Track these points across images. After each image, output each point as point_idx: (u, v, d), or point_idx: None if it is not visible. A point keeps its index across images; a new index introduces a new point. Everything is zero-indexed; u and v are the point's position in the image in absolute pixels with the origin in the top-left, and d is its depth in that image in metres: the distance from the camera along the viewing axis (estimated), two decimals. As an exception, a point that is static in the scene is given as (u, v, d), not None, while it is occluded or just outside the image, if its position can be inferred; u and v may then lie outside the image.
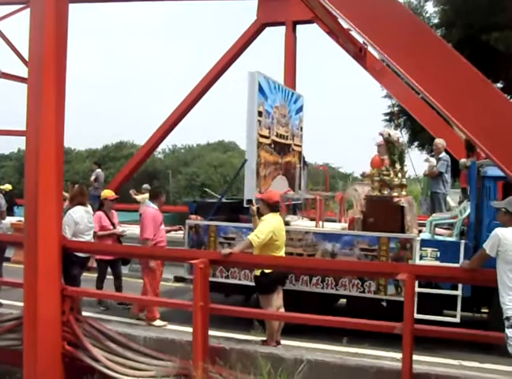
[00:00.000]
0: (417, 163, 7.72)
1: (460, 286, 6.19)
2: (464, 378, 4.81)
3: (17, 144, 39.10)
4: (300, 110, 9.85)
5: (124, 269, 9.80)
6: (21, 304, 5.97)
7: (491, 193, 6.44)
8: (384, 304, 6.57)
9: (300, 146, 9.93)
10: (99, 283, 8.18)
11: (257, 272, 6.15)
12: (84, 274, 7.66)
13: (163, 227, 7.61)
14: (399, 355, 4.81)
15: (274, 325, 6.09)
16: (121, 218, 9.18)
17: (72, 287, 6.29)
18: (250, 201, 6.73)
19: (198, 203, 8.81)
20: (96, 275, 8.30)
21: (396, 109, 17.94)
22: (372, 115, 61.73)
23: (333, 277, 6.65)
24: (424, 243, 6.51)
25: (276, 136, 8.60)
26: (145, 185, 14.55)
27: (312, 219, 8.59)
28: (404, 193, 7.41)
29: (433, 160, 9.18)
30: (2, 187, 14.52)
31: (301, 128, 9.94)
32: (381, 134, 7.59)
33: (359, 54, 12.99)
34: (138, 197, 13.97)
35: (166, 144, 44.56)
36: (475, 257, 4.82)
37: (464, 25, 16.00)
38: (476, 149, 7.36)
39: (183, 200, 32.74)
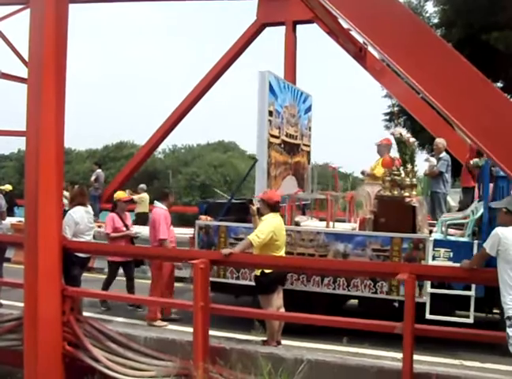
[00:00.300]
0: (417, 162, 7.67)
1: (473, 286, 6.11)
2: (464, 378, 4.81)
3: (17, 144, 39.07)
4: (309, 109, 9.82)
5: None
6: (22, 304, 5.96)
7: (504, 192, 6.36)
8: (396, 305, 6.47)
9: (309, 146, 9.89)
10: (106, 285, 8.11)
11: (257, 272, 6.15)
12: (85, 274, 7.66)
13: (172, 227, 7.62)
14: (399, 355, 4.80)
15: (274, 325, 6.09)
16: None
17: (72, 288, 6.29)
18: (250, 201, 6.73)
19: (208, 203, 8.75)
20: (96, 275, 8.29)
21: (396, 109, 17.93)
22: (372, 115, 61.74)
23: (344, 278, 6.60)
24: (437, 243, 6.42)
25: (286, 136, 8.56)
26: (142, 185, 14.53)
27: (321, 220, 8.55)
28: (414, 193, 7.36)
29: (433, 160, 9.17)
30: (2, 187, 14.51)
31: (309, 128, 9.90)
32: (392, 134, 7.54)
33: (359, 53, 12.98)
34: (135, 197, 13.96)
35: (166, 144, 44.64)
36: (475, 256, 4.83)
37: (464, 25, 15.99)
38: None
39: (183, 200, 32.76)
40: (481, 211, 6.63)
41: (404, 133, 7.40)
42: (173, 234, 7.63)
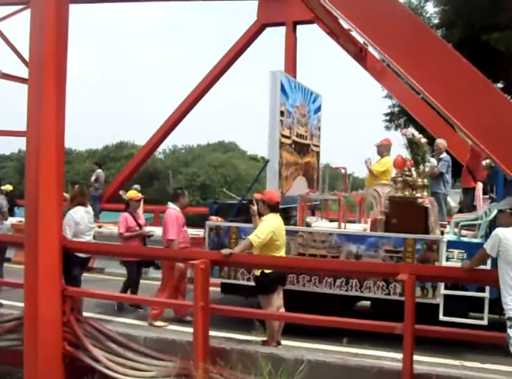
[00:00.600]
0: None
1: (487, 288, 6.01)
2: (465, 378, 4.81)
3: (18, 144, 39.19)
4: (318, 109, 9.76)
5: (125, 270, 9.82)
6: (22, 304, 5.97)
7: None
8: None
9: (318, 146, 9.82)
10: (128, 287, 8.02)
11: (257, 272, 6.15)
12: (85, 274, 7.65)
13: (185, 228, 7.59)
14: (400, 356, 4.80)
15: (275, 325, 6.09)
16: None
17: (72, 288, 6.29)
18: (250, 201, 6.72)
19: (219, 204, 8.67)
20: (96, 275, 8.27)
21: (396, 109, 17.91)
22: (372, 116, 61.77)
23: (357, 279, 6.54)
24: (451, 244, 6.32)
25: (297, 136, 8.49)
26: (136, 186, 14.49)
27: (331, 220, 8.50)
28: (425, 193, 7.32)
29: (434, 161, 9.16)
30: (3, 188, 14.53)
31: (319, 128, 9.84)
32: (404, 134, 7.49)
33: (359, 54, 12.98)
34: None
35: (166, 145, 44.69)
36: (475, 256, 4.82)
37: (465, 25, 15.97)
38: None
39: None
40: (494, 212, 6.59)
41: (416, 133, 7.33)
42: (185, 234, 7.58)
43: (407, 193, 7.11)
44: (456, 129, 7.60)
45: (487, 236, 6.55)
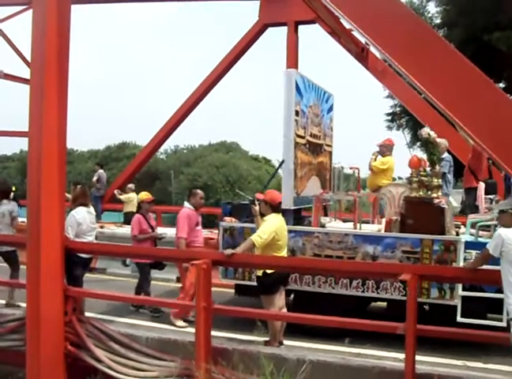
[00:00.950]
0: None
1: None
2: (467, 378, 4.81)
3: (20, 145, 39.17)
4: (331, 109, 9.73)
5: (127, 270, 9.84)
6: (24, 304, 5.98)
7: None
8: (426, 307, 6.26)
9: (331, 146, 9.78)
10: (143, 287, 7.95)
11: (259, 273, 6.15)
12: (87, 274, 7.66)
13: (199, 227, 7.59)
14: (402, 355, 4.80)
15: (277, 326, 6.09)
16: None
17: (74, 288, 6.29)
18: (252, 201, 6.72)
19: (233, 205, 8.66)
20: (98, 275, 8.28)
21: (398, 109, 17.93)
22: (374, 116, 61.69)
23: (373, 280, 6.48)
24: (468, 245, 6.24)
25: (311, 136, 8.45)
26: (130, 185, 14.49)
27: (345, 221, 8.45)
28: (440, 193, 7.22)
29: (435, 160, 9.14)
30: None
31: (331, 127, 9.80)
32: (420, 134, 7.43)
33: (361, 54, 12.96)
34: (122, 197, 13.94)
35: (168, 145, 44.53)
36: (478, 257, 4.83)
37: (467, 25, 15.96)
38: None
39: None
40: None
41: (432, 133, 7.27)
42: (198, 234, 7.56)
43: (421, 193, 7.04)
44: (457, 129, 7.58)
45: None
